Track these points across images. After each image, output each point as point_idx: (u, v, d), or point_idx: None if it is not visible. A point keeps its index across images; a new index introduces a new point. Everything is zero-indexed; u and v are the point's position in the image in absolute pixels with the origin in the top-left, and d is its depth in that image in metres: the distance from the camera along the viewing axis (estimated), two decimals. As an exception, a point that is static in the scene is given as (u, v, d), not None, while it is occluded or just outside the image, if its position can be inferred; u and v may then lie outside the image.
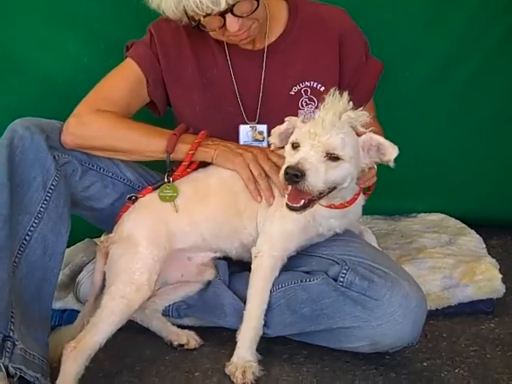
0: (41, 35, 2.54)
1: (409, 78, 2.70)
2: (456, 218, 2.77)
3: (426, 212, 2.85)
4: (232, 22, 1.94)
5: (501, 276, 2.19)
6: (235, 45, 2.13)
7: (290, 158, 1.73)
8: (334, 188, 1.77)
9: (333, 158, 1.70)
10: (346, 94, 1.75)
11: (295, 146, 1.74)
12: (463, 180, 2.80)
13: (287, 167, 1.67)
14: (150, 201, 2.05)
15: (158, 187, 2.04)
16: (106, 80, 2.16)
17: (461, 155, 2.78)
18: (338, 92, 1.75)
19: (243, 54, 2.17)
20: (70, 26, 2.54)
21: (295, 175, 1.66)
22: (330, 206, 1.90)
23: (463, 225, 2.69)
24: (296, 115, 1.89)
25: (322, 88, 2.15)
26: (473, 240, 2.52)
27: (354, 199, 1.92)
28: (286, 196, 1.74)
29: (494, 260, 2.32)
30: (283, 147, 1.86)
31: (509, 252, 2.68)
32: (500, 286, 2.17)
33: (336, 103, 1.73)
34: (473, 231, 2.61)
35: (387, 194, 2.59)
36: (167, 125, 2.27)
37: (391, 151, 1.75)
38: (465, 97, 2.71)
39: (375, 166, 1.88)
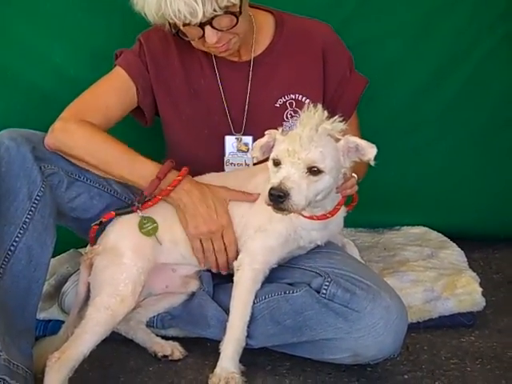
0: (27, 45, 2.54)
1: (396, 92, 2.73)
2: (438, 231, 2.79)
3: (409, 225, 2.87)
4: (210, 35, 1.96)
5: (481, 289, 2.22)
6: (222, 57, 2.15)
7: (273, 176, 1.75)
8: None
9: (314, 171, 1.72)
10: (320, 106, 1.77)
11: (276, 163, 1.76)
12: (446, 193, 2.83)
13: (271, 188, 1.69)
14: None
15: (122, 213, 2.03)
16: (95, 87, 2.17)
17: (444, 169, 2.81)
18: (312, 105, 1.78)
19: (230, 66, 2.19)
20: (57, 36, 2.55)
21: (279, 196, 1.68)
22: (311, 217, 1.91)
23: (445, 238, 2.72)
24: (281, 127, 1.89)
25: (307, 100, 2.13)
26: (454, 253, 2.55)
27: (335, 210, 1.93)
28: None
29: (475, 274, 2.34)
30: (266, 160, 1.87)
31: (490, 265, 2.71)
32: (480, 299, 2.20)
33: (311, 117, 1.76)
34: (454, 244, 2.63)
35: (371, 207, 2.62)
36: (153, 132, 2.32)
37: (370, 150, 1.78)
38: (452, 110, 2.75)
39: (355, 176, 1.91)
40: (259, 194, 1.98)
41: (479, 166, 2.81)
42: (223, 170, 2.22)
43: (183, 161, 2.06)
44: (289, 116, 2.20)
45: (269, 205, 1.72)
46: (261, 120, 2.16)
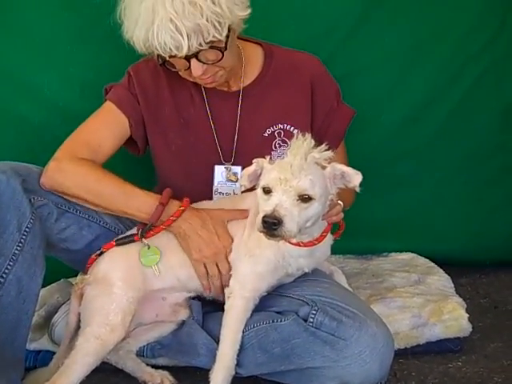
0: (16, 77, 2.57)
1: (383, 122, 2.77)
2: (426, 257, 2.82)
3: (397, 251, 2.90)
4: (196, 67, 1.99)
5: (467, 315, 2.23)
6: (212, 87, 2.18)
7: (264, 203, 1.77)
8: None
9: (304, 199, 1.75)
10: (308, 135, 1.80)
11: (267, 191, 1.79)
12: (433, 220, 2.88)
13: (265, 216, 1.72)
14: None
15: (123, 243, 2.05)
16: (87, 124, 2.19)
17: (431, 197, 2.85)
18: (301, 135, 1.81)
19: (220, 96, 2.22)
20: (46, 68, 2.58)
21: (273, 223, 1.70)
22: (298, 244, 1.93)
23: (432, 264, 2.74)
24: (270, 157, 1.92)
25: (295, 130, 2.18)
26: (441, 279, 2.56)
27: (322, 237, 1.96)
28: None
29: (461, 299, 2.36)
30: (254, 188, 1.91)
31: (477, 291, 2.74)
32: (466, 324, 2.22)
33: (301, 146, 1.79)
34: (441, 270, 2.65)
35: (359, 234, 2.66)
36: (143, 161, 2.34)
37: (355, 177, 1.81)
38: (438, 140, 2.79)
39: (341, 203, 1.94)
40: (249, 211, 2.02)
41: (465, 194, 2.85)
42: (211, 199, 2.23)
43: (172, 189, 2.07)
44: (277, 145, 2.22)
45: (261, 232, 1.74)
46: (250, 149, 2.15)
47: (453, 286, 2.53)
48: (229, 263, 2.02)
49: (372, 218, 2.81)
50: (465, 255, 2.86)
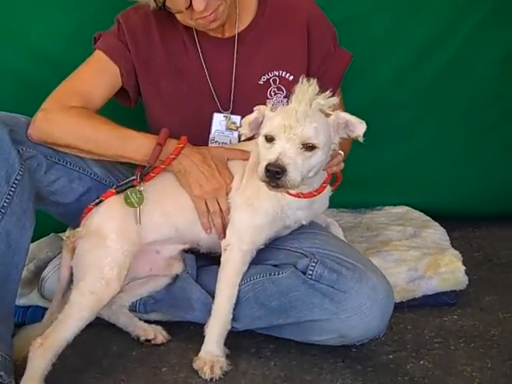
0: (0, 24, 2.47)
1: (380, 70, 2.70)
2: (420, 211, 2.79)
3: (391, 205, 2.87)
4: (198, 2, 1.92)
5: (464, 268, 2.23)
6: (205, 32, 2.12)
7: (266, 151, 1.73)
8: None
9: (308, 147, 1.71)
10: (314, 81, 1.75)
11: (269, 139, 1.74)
12: (428, 173, 2.84)
13: (268, 164, 1.67)
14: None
15: (123, 190, 1.98)
16: (76, 73, 2.12)
17: (427, 148, 2.81)
18: (306, 79, 1.75)
19: (213, 42, 2.16)
20: (32, 14, 2.48)
21: (277, 172, 1.66)
22: (297, 195, 1.89)
23: (427, 217, 2.71)
24: (265, 105, 1.88)
25: (291, 77, 2.15)
26: (437, 232, 2.55)
27: (322, 187, 1.92)
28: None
29: (457, 252, 2.35)
30: (253, 137, 1.86)
31: (471, 244, 2.73)
32: (463, 277, 2.21)
33: (306, 92, 1.73)
34: (437, 224, 2.63)
35: (353, 187, 2.61)
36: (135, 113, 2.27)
37: (359, 126, 1.78)
38: (437, 88, 2.72)
39: (342, 153, 1.90)
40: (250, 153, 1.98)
41: (462, 145, 2.81)
42: None
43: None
44: (272, 93, 2.17)
45: (263, 181, 1.70)
46: (246, 97, 2.13)
47: (448, 239, 2.51)
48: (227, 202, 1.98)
49: (366, 170, 2.76)
50: (458, 208, 2.83)
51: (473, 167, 2.85)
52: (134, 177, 1.98)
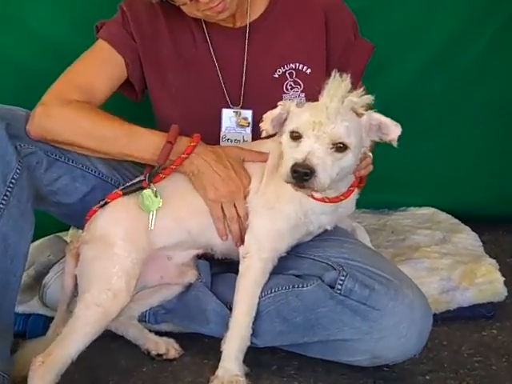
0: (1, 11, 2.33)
1: (406, 63, 2.56)
2: (447, 213, 2.66)
3: (415, 206, 2.73)
4: None
5: (503, 278, 2.08)
6: (214, 23, 1.98)
7: (292, 150, 1.58)
8: None
9: (339, 148, 1.56)
10: (348, 76, 1.60)
11: (295, 137, 1.59)
12: (455, 172, 2.69)
13: (295, 164, 1.52)
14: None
15: (131, 191, 1.84)
16: (77, 64, 1.99)
17: (454, 147, 2.66)
18: (338, 74, 1.60)
19: (224, 33, 2.02)
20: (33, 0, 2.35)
21: (305, 173, 1.51)
22: (323, 200, 1.74)
23: (456, 220, 2.58)
24: (281, 99, 1.74)
25: (308, 70, 2.03)
26: (468, 238, 2.41)
27: (349, 191, 1.78)
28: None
29: (495, 261, 2.20)
30: (275, 134, 1.72)
31: (502, 248, 2.57)
32: (502, 288, 2.07)
33: (339, 87, 1.59)
34: (467, 228, 2.49)
35: (375, 187, 2.42)
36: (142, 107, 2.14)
37: (394, 129, 1.64)
38: (465, 84, 2.58)
39: (371, 155, 1.77)
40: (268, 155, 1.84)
41: (491, 143, 2.66)
42: None
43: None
44: (289, 87, 2.03)
45: (289, 182, 1.56)
46: (259, 92, 2.01)
47: (481, 244, 2.37)
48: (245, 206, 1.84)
49: (389, 169, 2.58)
50: (486, 210, 2.68)
51: (501, 166, 2.70)
52: (142, 177, 1.82)
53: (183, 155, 1.79)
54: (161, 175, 1.81)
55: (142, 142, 1.83)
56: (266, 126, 1.70)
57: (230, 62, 2.03)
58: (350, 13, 2.09)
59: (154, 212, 1.80)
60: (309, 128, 1.56)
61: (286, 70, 2.03)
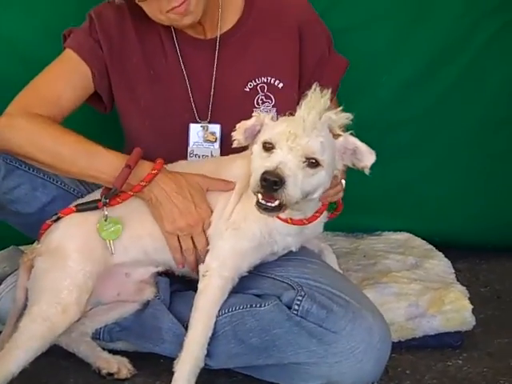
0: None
1: (383, 84, 2.53)
2: (422, 238, 2.60)
3: (390, 230, 2.67)
4: None
5: (471, 307, 2.01)
6: (184, 33, 1.96)
7: (263, 160, 1.53)
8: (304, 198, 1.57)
9: (311, 164, 1.51)
10: (328, 91, 1.56)
11: (268, 148, 1.54)
12: (432, 197, 2.65)
13: (265, 172, 1.47)
14: None
15: (84, 209, 1.79)
16: (44, 75, 1.95)
17: (431, 171, 2.62)
18: (319, 88, 1.56)
19: (194, 44, 2.00)
20: (4, 6, 2.32)
21: (274, 182, 1.45)
22: (286, 221, 1.69)
23: (430, 246, 2.52)
24: (251, 114, 1.70)
25: (281, 84, 2.00)
26: (440, 264, 2.35)
27: (314, 217, 1.73)
28: (259, 195, 1.52)
29: (464, 288, 2.14)
30: (246, 147, 1.68)
31: (477, 277, 2.52)
32: (470, 317, 2.00)
33: (318, 101, 1.54)
34: (441, 254, 2.43)
35: (350, 210, 2.36)
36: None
37: (369, 157, 1.60)
38: (442, 106, 2.55)
39: (343, 182, 1.74)
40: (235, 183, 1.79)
41: (469, 169, 2.62)
42: None
43: (143, 152, 1.81)
44: (260, 101, 2.01)
45: (257, 192, 1.50)
46: (229, 106, 1.99)
47: (453, 271, 2.30)
48: (206, 238, 1.78)
49: (364, 192, 2.51)
50: (464, 237, 2.63)
51: (480, 192, 2.65)
52: (99, 198, 1.77)
53: (142, 182, 1.74)
54: (118, 199, 1.77)
55: (102, 163, 1.77)
56: (238, 135, 1.66)
57: (199, 75, 2.00)
58: (325, 27, 2.07)
59: (109, 242, 1.76)
60: (283, 139, 1.51)
61: (258, 84, 2.00)
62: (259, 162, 1.54)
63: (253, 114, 1.66)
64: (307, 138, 1.51)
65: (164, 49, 1.99)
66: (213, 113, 2.00)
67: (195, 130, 2.01)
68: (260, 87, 1.99)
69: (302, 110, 1.54)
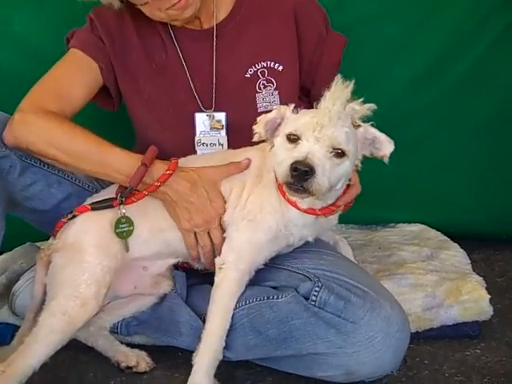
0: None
1: (393, 78, 2.51)
2: (436, 230, 2.58)
3: (405, 222, 2.66)
4: None
5: (489, 296, 2.00)
6: (181, 26, 1.96)
7: (289, 152, 1.53)
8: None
9: (337, 154, 1.52)
10: (351, 82, 1.55)
11: (293, 139, 1.54)
12: (445, 189, 2.62)
13: (295, 162, 1.47)
14: None
15: (100, 208, 1.79)
16: (54, 71, 1.96)
17: (444, 163, 2.60)
18: (342, 79, 1.56)
19: (191, 36, 2.00)
20: (18, 3, 2.32)
21: (305, 172, 1.46)
22: (313, 211, 1.70)
23: (445, 237, 2.51)
24: (254, 99, 1.74)
25: (280, 67, 2.00)
26: (456, 255, 2.33)
27: (331, 210, 1.73)
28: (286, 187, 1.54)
29: (481, 278, 2.12)
30: (265, 140, 1.67)
31: (492, 267, 2.49)
32: (488, 307, 1.99)
33: (342, 92, 1.54)
34: (456, 245, 2.42)
35: (364, 202, 2.36)
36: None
37: (388, 146, 1.61)
38: (453, 100, 2.52)
39: (359, 187, 1.78)
40: (249, 160, 1.79)
41: (481, 161, 2.59)
42: (195, 152, 2.01)
43: (152, 144, 1.82)
44: (261, 86, 2.00)
45: (287, 182, 1.51)
46: (231, 93, 1.99)
47: (469, 262, 2.29)
48: (222, 230, 1.78)
49: (378, 184, 2.51)
50: (478, 228, 2.61)
51: (494, 183, 2.62)
52: (114, 196, 1.78)
53: (157, 183, 1.74)
54: (133, 199, 1.77)
55: (116, 162, 1.77)
56: (259, 128, 1.66)
57: (200, 65, 2.00)
58: (320, 7, 2.06)
59: (125, 241, 1.77)
60: (309, 129, 1.52)
61: (258, 69, 2.00)
62: (286, 154, 1.54)
63: (273, 107, 1.66)
64: (333, 129, 1.51)
65: (163, 43, 2.00)
66: (217, 101, 2.00)
67: (201, 120, 2.01)
68: (260, 72, 1.99)
69: (327, 101, 1.54)
